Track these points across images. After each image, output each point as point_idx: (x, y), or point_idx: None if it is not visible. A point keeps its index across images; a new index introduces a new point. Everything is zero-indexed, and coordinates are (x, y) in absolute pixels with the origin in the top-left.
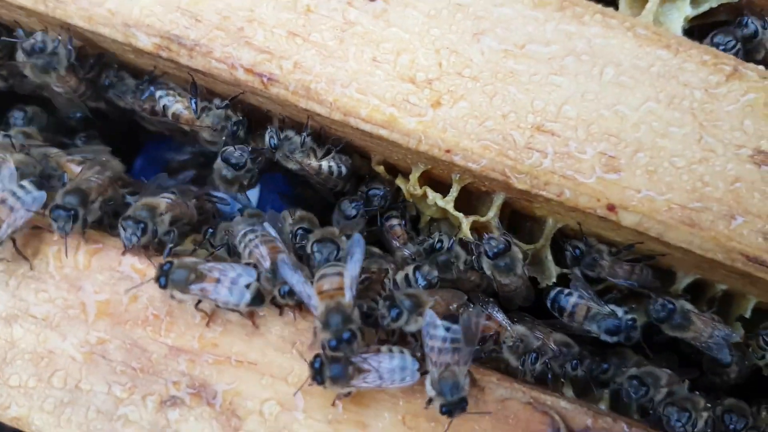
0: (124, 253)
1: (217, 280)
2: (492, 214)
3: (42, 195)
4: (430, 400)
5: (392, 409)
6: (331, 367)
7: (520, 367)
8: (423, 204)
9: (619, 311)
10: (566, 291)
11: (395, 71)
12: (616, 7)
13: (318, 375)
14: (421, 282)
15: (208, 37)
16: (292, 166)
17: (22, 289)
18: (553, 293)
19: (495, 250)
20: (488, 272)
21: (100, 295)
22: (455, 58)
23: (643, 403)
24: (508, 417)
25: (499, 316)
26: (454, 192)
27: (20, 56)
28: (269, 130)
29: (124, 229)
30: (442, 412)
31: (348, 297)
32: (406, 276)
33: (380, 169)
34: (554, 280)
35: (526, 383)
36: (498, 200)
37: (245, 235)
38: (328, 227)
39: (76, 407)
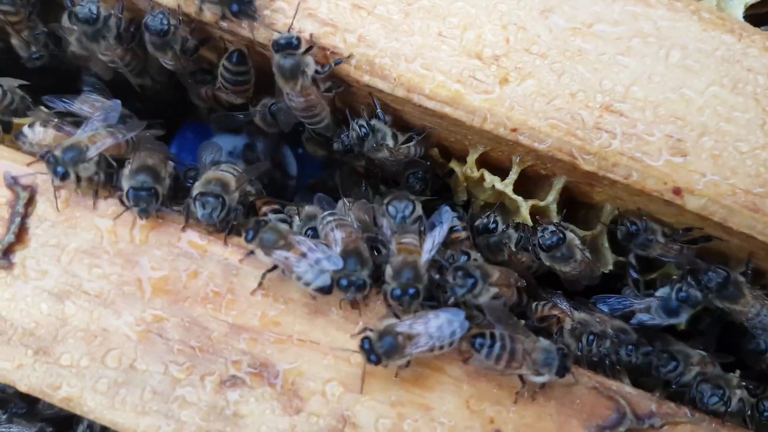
0: (184, 229)
1: (303, 255)
2: (551, 199)
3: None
4: None
5: (456, 392)
6: (381, 343)
7: (578, 352)
8: (478, 188)
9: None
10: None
11: (461, 46)
12: None
13: (371, 354)
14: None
15: (270, 8)
16: (379, 155)
17: (75, 264)
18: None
19: (549, 243)
20: (547, 263)
21: (157, 271)
22: (523, 34)
23: (669, 378)
24: (573, 401)
25: (564, 305)
26: (513, 175)
27: (68, 23)
28: (356, 121)
29: (203, 206)
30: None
31: (424, 259)
32: None
33: (434, 152)
34: (611, 267)
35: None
36: (558, 184)
37: (324, 218)
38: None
39: (131, 388)
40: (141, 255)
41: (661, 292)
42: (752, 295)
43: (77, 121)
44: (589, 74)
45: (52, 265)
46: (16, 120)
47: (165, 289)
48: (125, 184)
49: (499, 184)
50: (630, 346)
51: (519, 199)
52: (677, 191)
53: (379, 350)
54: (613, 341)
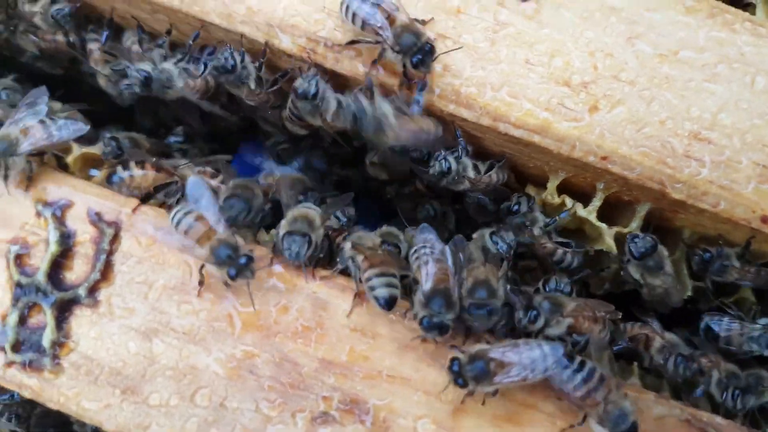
0: (272, 263)
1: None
2: (635, 225)
3: None
4: None
5: (550, 428)
6: (472, 366)
7: (667, 368)
8: (556, 214)
9: None
10: (716, 317)
11: (549, 74)
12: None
13: (459, 377)
14: (502, 246)
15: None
16: (461, 187)
17: (164, 301)
18: (703, 324)
19: (642, 250)
20: (637, 276)
21: (247, 307)
22: (610, 61)
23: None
24: None
25: (655, 325)
26: (597, 201)
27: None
28: (437, 156)
29: (291, 245)
30: None
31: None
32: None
33: (510, 176)
34: (689, 293)
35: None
36: (642, 211)
37: (421, 248)
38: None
39: (222, 426)
40: (229, 290)
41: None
42: None
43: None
44: (677, 101)
45: (139, 303)
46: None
47: (256, 324)
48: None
49: (581, 211)
50: (737, 391)
51: (603, 226)
52: (765, 219)
53: (467, 374)
54: (721, 383)
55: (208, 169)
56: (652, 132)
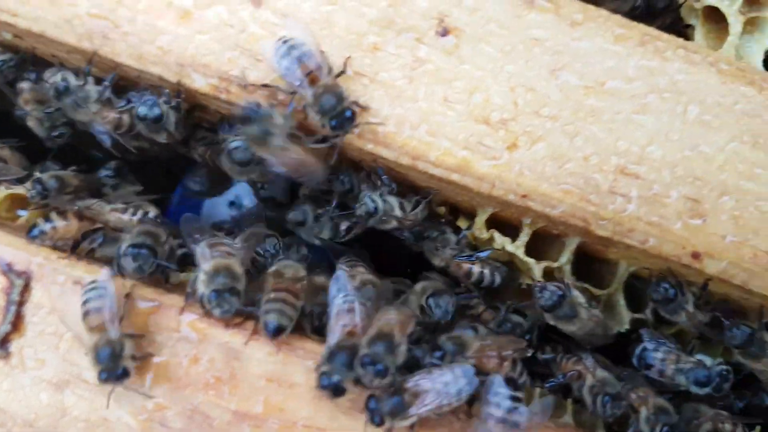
0: (182, 312)
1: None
2: (564, 260)
3: None
4: None
5: None
6: (388, 401)
7: (593, 408)
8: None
9: (708, 360)
10: (652, 345)
11: (468, 111)
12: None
13: (375, 415)
14: (437, 312)
15: (270, 78)
16: (387, 227)
17: (74, 352)
18: (638, 350)
19: (549, 303)
20: (552, 323)
21: (157, 357)
22: (532, 96)
23: None
24: None
25: (589, 361)
26: (524, 237)
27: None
28: (362, 196)
29: (220, 305)
30: None
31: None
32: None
33: (441, 210)
34: (627, 326)
35: None
36: (571, 245)
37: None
38: None
39: None
40: (141, 341)
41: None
42: None
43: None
44: (603, 135)
45: (50, 354)
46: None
47: (166, 376)
48: None
49: (509, 246)
50: (666, 428)
51: (531, 261)
52: (696, 255)
53: (384, 410)
54: (650, 420)
55: (119, 205)
56: (575, 168)
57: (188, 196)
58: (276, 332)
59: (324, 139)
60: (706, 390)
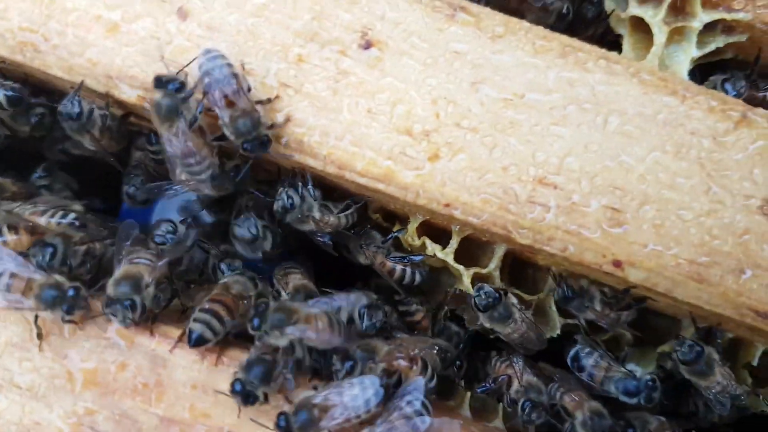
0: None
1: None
2: (493, 266)
3: None
4: None
5: None
6: (296, 417)
7: (519, 412)
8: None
9: (638, 370)
10: (587, 350)
11: (391, 123)
12: (620, 50)
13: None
14: (367, 323)
15: (196, 90)
16: (305, 227)
17: (6, 357)
18: (573, 351)
19: (485, 303)
20: (487, 326)
21: (87, 363)
22: (453, 108)
23: None
24: None
25: (519, 365)
26: (453, 244)
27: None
28: (280, 190)
29: (115, 315)
30: None
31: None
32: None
33: (377, 216)
34: (558, 331)
35: None
36: (499, 252)
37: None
38: None
39: None
40: (70, 347)
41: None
42: (721, 372)
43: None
44: (521, 146)
45: None
46: None
47: (95, 381)
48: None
49: (440, 253)
50: None
51: (461, 268)
52: (617, 264)
53: (294, 426)
54: (586, 425)
55: (41, 207)
56: (494, 179)
57: (130, 205)
58: (197, 343)
59: (222, 137)
60: (635, 400)
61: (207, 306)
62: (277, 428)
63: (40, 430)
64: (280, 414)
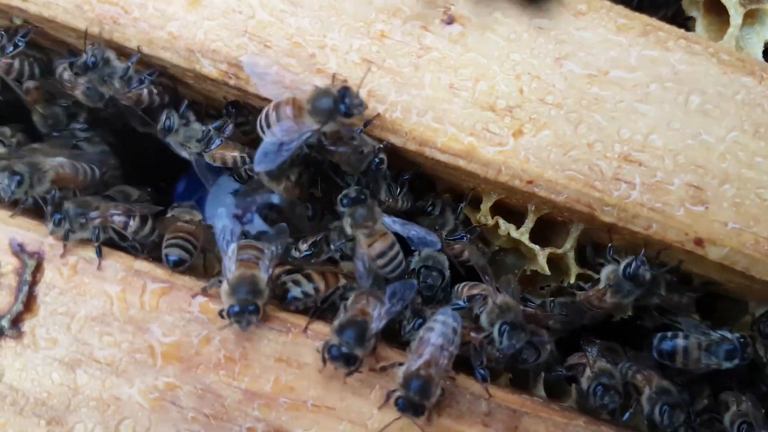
0: (194, 295)
1: None
2: (569, 246)
3: None
4: None
5: None
6: (412, 389)
7: (591, 397)
8: (493, 234)
9: (726, 333)
10: (669, 334)
11: (474, 98)
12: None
13: (413, 408)
14: None
15: (279, 64)
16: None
17: (86, 331)
18: (656, 342)
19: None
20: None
21: (168, 337)
22: (537, 84)
23: None
24: None
25: (592, 353)
26: (529, 223)
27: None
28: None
29: (240, 323)
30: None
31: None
32: None
33: (446, 196)
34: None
35: (614, 425)
36: (575, 232)
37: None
38: None
39: None
40: (151, 321)
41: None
42: None
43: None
44: (606, 123)
45: (62, 334)
46: None
47: (177, 355)
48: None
49: (514, 233)
50: (665, 407)
51: (536, 247)
52: (699, 242)
53: (415, 399)
54: (651, 399)
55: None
56: (580, 155)
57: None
58: (177, 264)
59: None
60: (736, 361)
61: (172, 235)
62: (402, 412)
63: (120, 405)
64: (398, 399)
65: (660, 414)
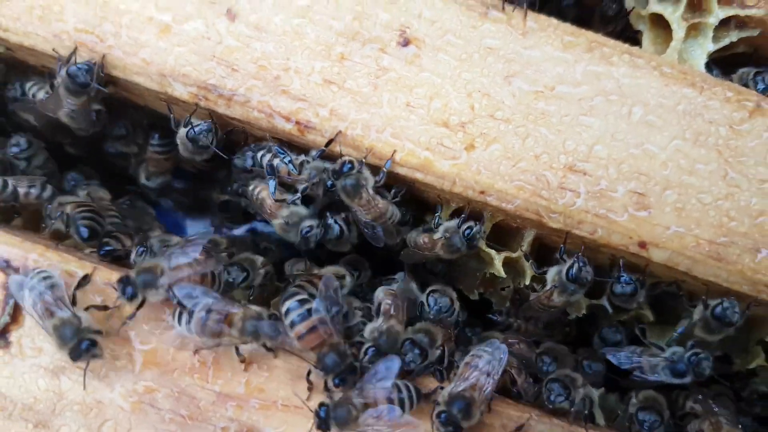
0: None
1: None
2: (523, 250)
3: None
4: None
5: None
6: (454, 407)
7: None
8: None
9: (678, 350)
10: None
11: (429, 115)
12: (640, 45)
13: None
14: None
15: (245, 86)
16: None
17: None
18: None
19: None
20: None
21: (146, 345)
22: (487, 101)
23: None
24: None
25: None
26: (485, 230)
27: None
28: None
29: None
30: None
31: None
32: None
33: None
34: (584, 311)
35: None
36: (528, 237)
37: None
38: None
39: None
40: (130, 330)
41: (670, 352)
42: None
43: None
44: (552, 136)
45: (46, 343)
46: None
47: (154, 361)
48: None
49: None
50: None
51: (492, 252)
52: (642, 245)
53: (457, 417)
54: None
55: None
56: (527, 166)
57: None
58: (90, 237)
59: None
60: (687, 379)
61: (79, 209)
62: (441, 425)
63: (102, 408)
64: (440, 412)
65: None
